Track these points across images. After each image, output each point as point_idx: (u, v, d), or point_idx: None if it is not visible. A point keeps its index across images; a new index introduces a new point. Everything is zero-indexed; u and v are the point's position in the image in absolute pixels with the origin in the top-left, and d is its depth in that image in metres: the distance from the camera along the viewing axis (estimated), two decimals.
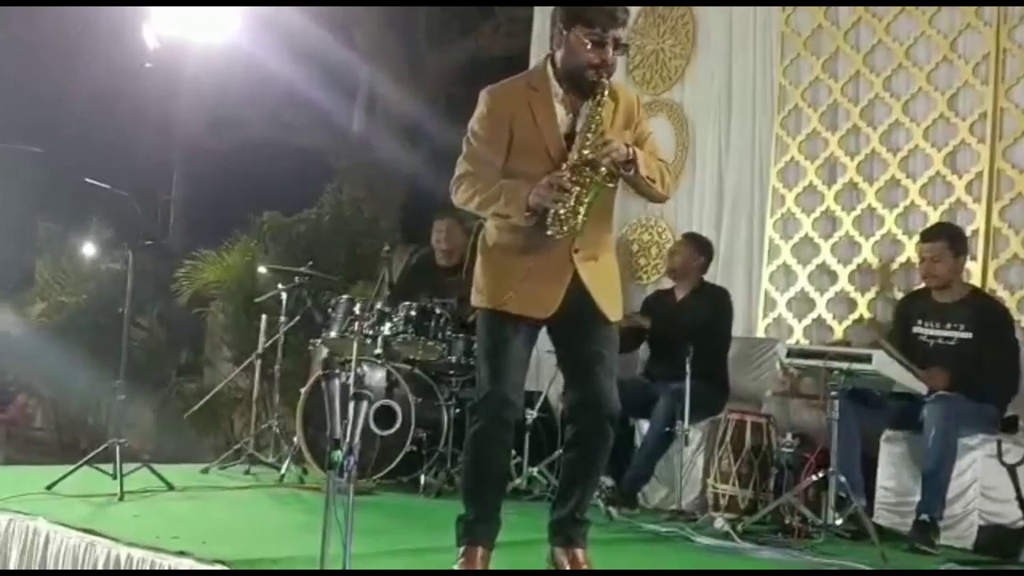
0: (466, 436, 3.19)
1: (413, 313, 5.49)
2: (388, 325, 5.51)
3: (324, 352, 5.91)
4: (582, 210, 3.03)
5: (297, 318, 6.05)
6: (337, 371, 2.96)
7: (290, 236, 8.59)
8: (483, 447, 3.15)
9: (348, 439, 2.76)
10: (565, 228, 3.03)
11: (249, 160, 10.32)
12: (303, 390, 5.59)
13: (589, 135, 3.07)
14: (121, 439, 4.67)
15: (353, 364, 5.10)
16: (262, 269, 8.20)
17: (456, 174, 3.15)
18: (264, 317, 5.99)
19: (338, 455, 2.75)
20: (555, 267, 3.12)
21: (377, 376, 5.41)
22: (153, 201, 11.76)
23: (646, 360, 5.78)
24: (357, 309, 5.42)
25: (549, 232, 3.02)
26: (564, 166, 3.05)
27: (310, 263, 6.10)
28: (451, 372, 5.65)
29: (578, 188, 3.03)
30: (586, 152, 3.06)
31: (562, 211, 3.03)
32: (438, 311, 5.51)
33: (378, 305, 5.54)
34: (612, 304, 3.21)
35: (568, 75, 3.14)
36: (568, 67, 3.14)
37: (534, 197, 3.02)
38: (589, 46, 3.08)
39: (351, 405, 2.80)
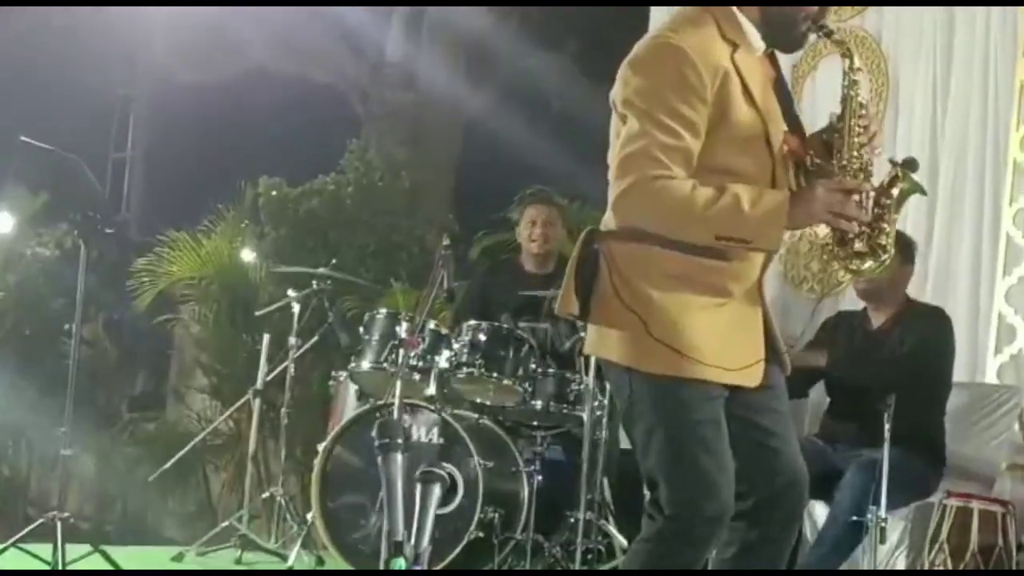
0: (658, 538, 3.19)
1: (482, 337, 5.55)
2: (446, 354, 5.55)
3: (352, 390, 5.91)
4: (889, 231, 3.18)
5: (314, 339, 6.09)
6: (399, 440, 3.03)
7: (297, 214, 8.59)
8: (695, 561, 3.18)
9: (414, 540, 2.85)
10: (879, 260, 3.19)
11: (241, 102, 10.27)
12: (323, 446, 5.56)
13: (856, 120, 3.21)
14: (64, 513, 4.77)
15: (396, 410, 5.14)
16: (248, 256, 8.30)
17: (639, 175, 3.07)
18: (267, 337, 6.00)
19: (401, 564, 2.78)
20: (752, 310, 3.26)
21: (428, 428, 5.44)
22: (100, 159, 11.69)
23: (824, 414, 5.71)
24: (402, 330, 5.46)
25: (854, 267, 3.19)
26: (835, 164, 3.17)
27: (333, 261, 6.15)
28: (534, 424, 5.70)
29: (885, 200, 3.18)
30: (856, 139, 3.19)
31: (871, 234, 3.17)
32: (518, 335, 5.58)
33: (431, 324, 5.57)
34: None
35: (776, 25, 3.23)
36: (778, 16, 3.22)
37: (821, 211, 3.10)
38: None
39: (417, 490, 2.92)
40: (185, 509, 8.31)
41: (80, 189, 5.20)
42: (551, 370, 5.60)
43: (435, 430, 5.41)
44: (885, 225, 3.17)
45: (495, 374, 5.50)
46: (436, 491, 2.92)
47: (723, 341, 3.14)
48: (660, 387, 3.12)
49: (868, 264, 3.19)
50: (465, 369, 5.51)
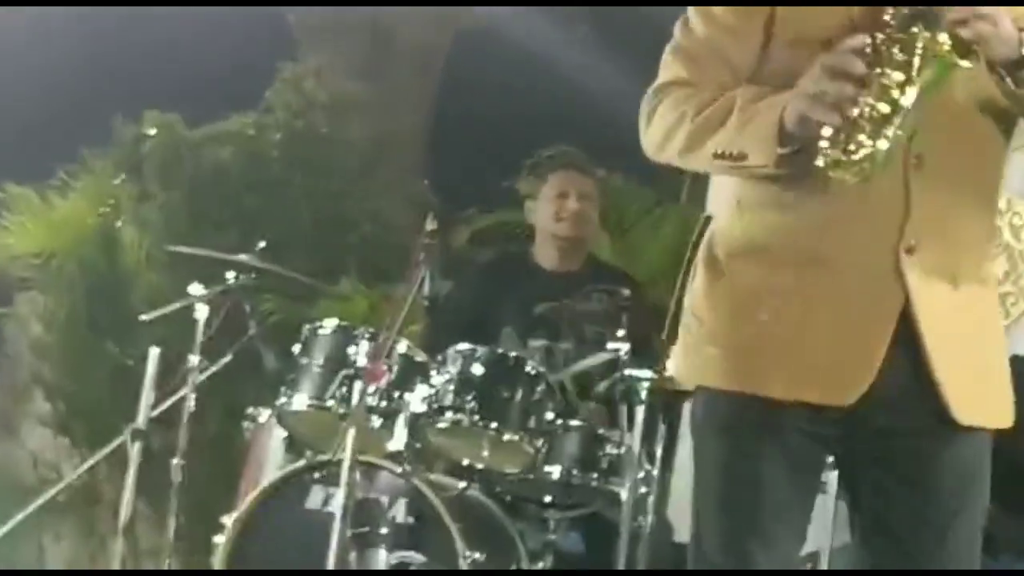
0: None
1: (477, 369, 4.96)
2: (422, 391, 4.98)
3: (278, 437, 5.33)
4: (896, 120, 2.67)
5: (226, 359, 5.51)
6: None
7: (199, 168, 7.87)
8: None
9: None
10: (854, 158, 2.68)
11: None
12: (229, 518, 4.93)
13: None
14: None
15: (344, 476, 4.46)
16: (122, 226, 7.76)
17: (654, 85, 2.91)
18: (154, 351, 5.20)
19: None
20: (867, 288, 2.81)
21: (391, 499, 4.92)
22: None
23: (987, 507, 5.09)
24: (359, 352, 4.94)
25: (819, 163, 2.68)
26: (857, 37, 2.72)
27: (262, 244, 5.49)
28: (547, 500, 5.19)
29: (887, 73, 2.67)
30: None
31: (855, 124, 2.66)
32: (530, 368, 4.94)
33: (402, 347, 4.98)
34: (983, 391, 2.82)
35: None
36: None
37: (796, 102, 2.73)
38: None
39: None
40: None
41: None
42: (575, 423, 4.90)
43: (401, 503, 4.85)
44: (894, 116, 2.59)
45: (494, 424, 4.81)
46: None
47: (794, 341, 2.74)
48: (706, 401, 2.86)
49: (841, 161, 2.66)
50: (450, 415, 4.83)
